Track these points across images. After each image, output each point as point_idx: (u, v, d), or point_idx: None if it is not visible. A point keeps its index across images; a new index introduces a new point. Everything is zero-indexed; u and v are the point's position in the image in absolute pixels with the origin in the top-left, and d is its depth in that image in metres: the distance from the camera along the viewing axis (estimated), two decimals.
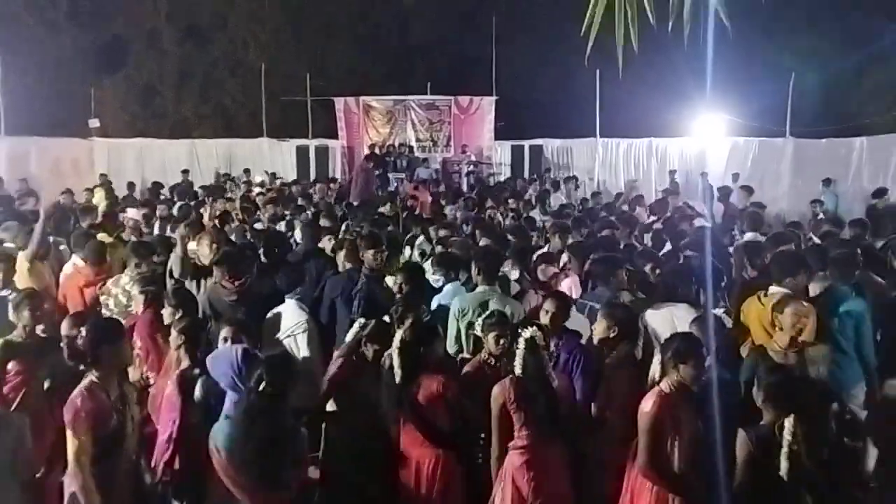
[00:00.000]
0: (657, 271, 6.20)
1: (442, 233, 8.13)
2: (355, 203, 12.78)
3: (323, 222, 8.76)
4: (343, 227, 8.80)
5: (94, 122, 19.09)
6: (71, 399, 3.79)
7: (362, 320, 4.78)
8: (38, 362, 4.63)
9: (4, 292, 5.58)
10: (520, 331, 4.13)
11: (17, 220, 8.38)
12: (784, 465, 3.47)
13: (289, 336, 5.40)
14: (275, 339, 5.33)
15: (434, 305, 5.65)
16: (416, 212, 11.43)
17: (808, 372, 4.38)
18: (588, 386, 4.51)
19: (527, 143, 19.32)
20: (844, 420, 4.61)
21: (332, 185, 15.63)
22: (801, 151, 16.37)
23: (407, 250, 7.87)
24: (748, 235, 8.22)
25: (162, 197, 13.45)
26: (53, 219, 8.21)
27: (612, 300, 5.15)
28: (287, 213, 10.40)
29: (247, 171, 17.51)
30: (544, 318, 4.73)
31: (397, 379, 4.34)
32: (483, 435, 4.31)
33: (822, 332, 4.68)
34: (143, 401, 4.53)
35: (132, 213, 9.79)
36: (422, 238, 8.21)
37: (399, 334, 4.45)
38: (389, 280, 5.99)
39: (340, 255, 6.55)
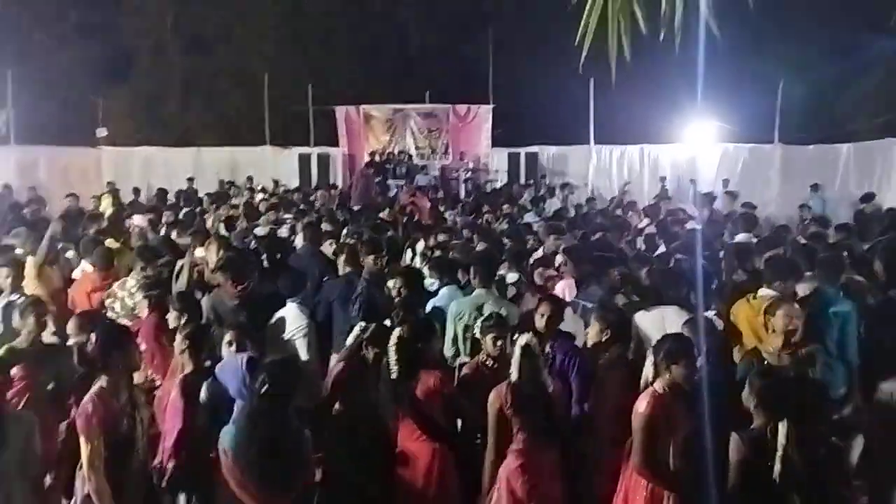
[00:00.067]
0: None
1: (441, 237, 8.14)
2: (356, 208, 12.80)
3: (324, 227, 8.76)
4: (344, 232, 8.79)
5: (102, 132, 19.10)
6: (82, 405, 3.80)
7: (363, 324, 4.77)
8: (42, 368, 4.63)
9: (13, 297, 5.58)
10: (515, 337, 4.13)
11: (26, 226, 8.39)
12: (777, 467, 3.46)
13: (288, 340, 5.39)
14: (279, 342, 5.32)
15: (429, 308, 5.64)
16: (415, 218, 11.43)
17: (802, 373, 4.36)
18: (584, 386, 4.51)
19: (523, 151, 19.34)
20: (832, 420, 4.60)
21: (333, 192, 15.62)
22: (790, 157, 16.41)
23: (408, 255, 7.87)
24: (741, 237, 8.22)
25: (168, 202, 13.44)
26: (62, 225, 8.22)
27: (605, 303, 5.14)
28: (289, 216, 10.40)
29: (250, 178, 17.50)
30: (539, 322, 4.73)
31: (394, 375, 4.34)
32: (480, 435, 4.31)
33: (811, 333, 4.68)
34: (149, 403, 4.52)
35: (138, 220, 9.80)
36: (422, 243, 8.21)
37: (397, 331, 4.45)
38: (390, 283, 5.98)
39: (341, 260, 6.55)
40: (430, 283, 6.03)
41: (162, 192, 14.47)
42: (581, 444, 4.41)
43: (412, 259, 7.73)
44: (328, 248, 7.47)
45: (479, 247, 7.26)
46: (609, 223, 10.00)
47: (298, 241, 8.04)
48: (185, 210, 11.54)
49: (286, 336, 5.39)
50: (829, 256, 5.69)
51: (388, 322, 4.86)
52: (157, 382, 4.90)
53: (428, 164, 19.71)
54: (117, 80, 22.22)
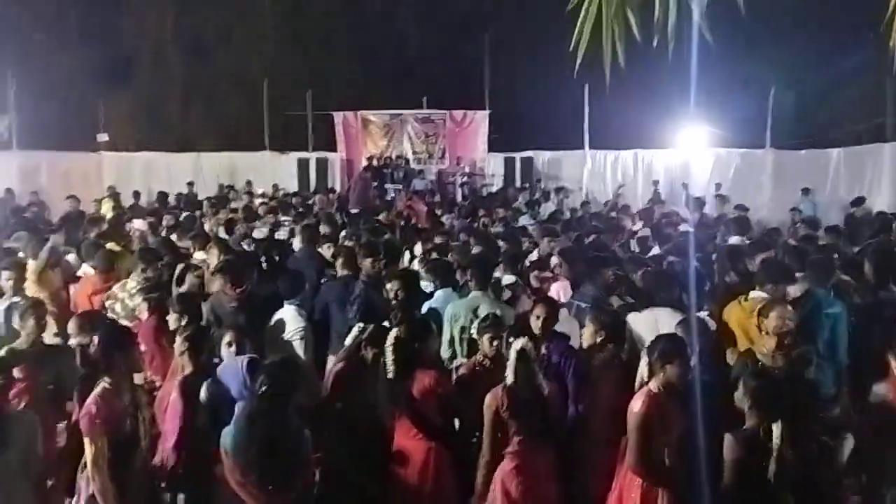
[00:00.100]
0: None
1: (438, 240, 8.14)
2: (353, 211, 12.80)
3: (322, 229, 8.75)
4: (342, 234, 8.79)
5: (103, 137, 19.08)
6: (86, 405, 3.81)
7: (361, 324, 4.78)
8: (42, 368, 4.63)
9: (15, 299, 5.58)
10: (511, 341, 4.13)
11: (28, 230, 8.39)
12: (772, 467, 3.47)
13: (287, 341, 5.39)
14: (279, 343, 5.33)
15: (424, 310, 5.64)
16: (413, 221, 11.44)
17: (795, 374, 4.37)
18: (579, 387, 4.51)
19: (518, 155, 19.36)
20: (823, 420, 4.61)
21: (331, 196, 15.62)
22: (781, 162, 16.46)
23: (406, 258, 7.87)
24: (734, 240, 8.25)
25: (169, 206, 13.43)
26: (64, 228, 8.22)
27: (600, 304, 5.15)
28: (287, 219, 10.40)
29: (249, 182, 17.50)
30: (535, 323, 4.74)
31: (391, 374, 4.34)
32: (477, 435, 4.30)
33: (804, 335, 4.69)
34: (150, 404, 4.52)
35: (138, 224, 9.80)
36: (419, 246, 8.22)
37: (394, 332, 4.46)
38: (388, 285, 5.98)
39: (339, 262, 6.55)
40: (426, 285, 6.03)
41: (162, 196, 14.47)
42: (576, 444, 4.41)
43: (410, 262, 7.73)
44: (326, 251, 7.47)
45: (475, 250, 7.27)
46: (603, 225, 10.03)
47: (296, 243, 8.05)
48: (185, 214, 11.53)
49: (285, 337, 5.39)
50: (819, 259, 5.72)
51: (386, 323, 4.86)
52: (157, 384, 4.90)
53: (425, 169, 19.71)
54: (118, 86, 22.18)
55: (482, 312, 5.05)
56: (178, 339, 4.50)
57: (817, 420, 4.14)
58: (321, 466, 4.48)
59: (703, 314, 5.27)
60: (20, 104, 16.74)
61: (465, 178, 18.87)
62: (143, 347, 4.97)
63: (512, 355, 4.04)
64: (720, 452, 3.59)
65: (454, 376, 4.84)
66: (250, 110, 20.53)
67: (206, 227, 10.11)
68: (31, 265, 6.45)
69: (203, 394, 4.16)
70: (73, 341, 4.75)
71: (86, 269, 6.80)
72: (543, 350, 4.53)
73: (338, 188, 18.54)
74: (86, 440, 3.75)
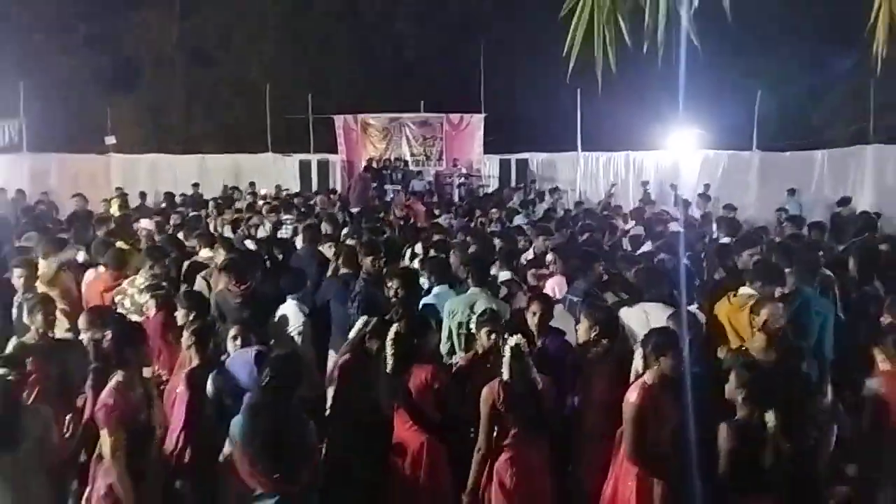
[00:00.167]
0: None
1: (436, 237, 8.16)
2: (354, 210, 12.81)
3: (324, 228, 8.77)
4: (344, 233, 8.81)
5: (110, 139, 19.03)
6: (102, 398, 3.84)
7: (365, 317, 4.80)
8: (50, 362, 4.64)
9: (27, 296, 5.58)
10: (506, 337, 4.15)
11: (38, 230, 8.40)
12: (768, 457, 3.49)
13: (289, 335, 5.42)
14: (282, 336, 5.36)
15: (421, 307, 5.66)
16: (411, 221, 11.46)
17: (787, 367, 4.37)
18: (574, 381, 4.53)
19: (513, 157, 19.41)
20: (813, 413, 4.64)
21: (332, 197, 15.61)
22: (767, 163, 16.49)
23: (407, 256, 7.89)
24: (724, 240, 8.26)
25: (176, 206, 13.42)
26: (73, 228, 8.23)
27: (594, 300, 5.17)
28: (290, 217, 10.41)
29: (252, 183, 17.49)
30: (531, 320, 4.77)
31: (390, 368, 4.37)
32: (473, 429, 4.32)
33: (795, 331, 4.72)
34: (159, 397, 4.53)
35: (145, 224, 9.79)
36: (419, 245, 8.23)
37: (394, 327, 4.48)
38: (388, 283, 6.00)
39: (340, 260, 6.57)
40: (424, 282, 6.05)
41: (169, 196, 14.44)
42: (571, 436, 4.44)
43: (411, 260, 7.75)
44: (328, 249, 7.49)
45: (472, 248, 7.29)
46: (596, 223, 10.05)
47: (299, 242, 8.07)
48: (191, 213, 11.53)
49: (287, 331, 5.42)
50: (805, 256, 5.75)
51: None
52: (165, 378, 4.92)
53: (423, 171, 19.73)
54: (124, 90, 22.19)
55: (479, 308, 5.07)
56: (186, 334, 4.52)
57: (811, 410, 4.17)
58: (325, 456, 4.51)
59: (693, 307, 5.29)
60: (30, 108, 16.74)
61: (462, 180, 18.92)
62: (150, 343, 5.00)
63: (507, 352, 4.06)
64: (711, 442, 3.61)
65: (453, 370, 4.86)
66: (253, 114, 20.52)
67: (212, 226, 10.11)
68: (42, 264, 6.45)
69: (209, 386, 4.19)
70: (84, 336, 4.75)
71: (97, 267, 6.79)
72: (540, 344, 4.55)
73: (339, 189, 18.55)
74: (103, 432, 3.78)
